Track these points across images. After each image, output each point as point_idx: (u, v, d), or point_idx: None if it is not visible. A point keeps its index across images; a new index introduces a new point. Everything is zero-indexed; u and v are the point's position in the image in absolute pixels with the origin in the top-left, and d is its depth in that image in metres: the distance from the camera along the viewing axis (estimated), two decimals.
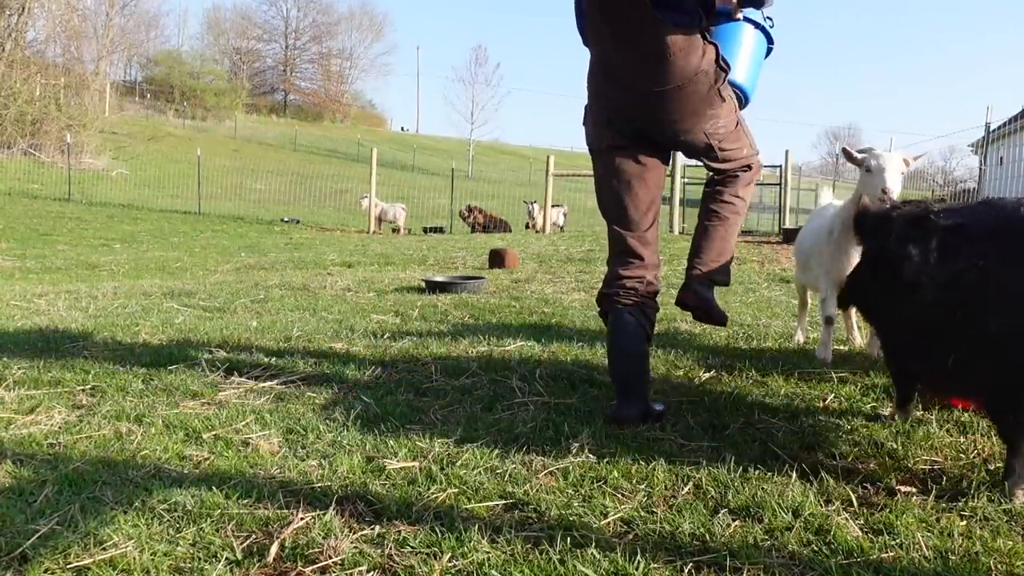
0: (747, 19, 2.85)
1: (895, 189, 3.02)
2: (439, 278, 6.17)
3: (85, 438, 2.49)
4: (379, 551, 1.76)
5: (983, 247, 2.09)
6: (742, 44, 2.86)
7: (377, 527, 1.87)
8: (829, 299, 3.38)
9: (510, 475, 2.19)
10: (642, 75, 2.59)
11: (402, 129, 72.70)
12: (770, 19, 2.92)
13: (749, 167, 2.86)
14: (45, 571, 1.68)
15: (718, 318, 2.84)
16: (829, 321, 3.43)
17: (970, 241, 2.12)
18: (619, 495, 2.07)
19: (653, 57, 2.54)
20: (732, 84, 2.78)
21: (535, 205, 17.80)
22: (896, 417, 2.66)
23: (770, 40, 2.95)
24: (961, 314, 2.07)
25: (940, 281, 2.11)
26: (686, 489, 2.11)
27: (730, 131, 2.73)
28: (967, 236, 2.14)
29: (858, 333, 4.12)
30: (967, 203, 2.62)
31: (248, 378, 3.24)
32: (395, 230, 18.18)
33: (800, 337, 4.09)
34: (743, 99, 2.89)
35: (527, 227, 17.76)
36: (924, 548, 1.77)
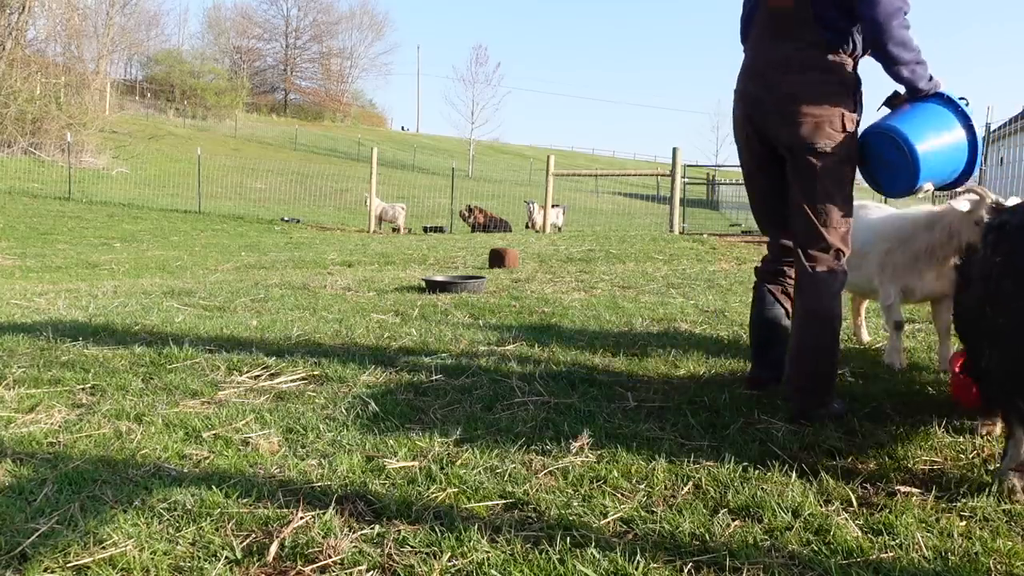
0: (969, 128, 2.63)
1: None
2: (439, 277, 6.17)
3: (85, 437, 2.49)
4: (379, 550, 1.76)
5: None
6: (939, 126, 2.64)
7: (377, 526, 1.87)
8: (895, 305, 3.42)
9: (510, 475, 2.19)
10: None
11: (402, 128, 72.71)
12: (964, 98, 2.68)
13: (827, 251, 2.72)
14: (45, 570, 1.68)
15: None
16: (899, 327, 3.47)
17: None
18: (619, 495, 2.07)
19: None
20: (900, 135, 2.63)
21: (535, 204, 17.80)
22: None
23: (973, 155, 2.67)
24: None
25: None
26: (686, 489, 2.11)
27: (832, 174, 2.69)
28: None
29: (865, 331, 4.13)
30: None
31: (248, 377, 3.24)
32: (395, 229, 18.18)
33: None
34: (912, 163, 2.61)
35: (527, 226, 17.76)
36: (924, 548, 1.77)
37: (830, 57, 2.68)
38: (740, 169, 3.10)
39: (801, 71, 2.69)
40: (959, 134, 2.65)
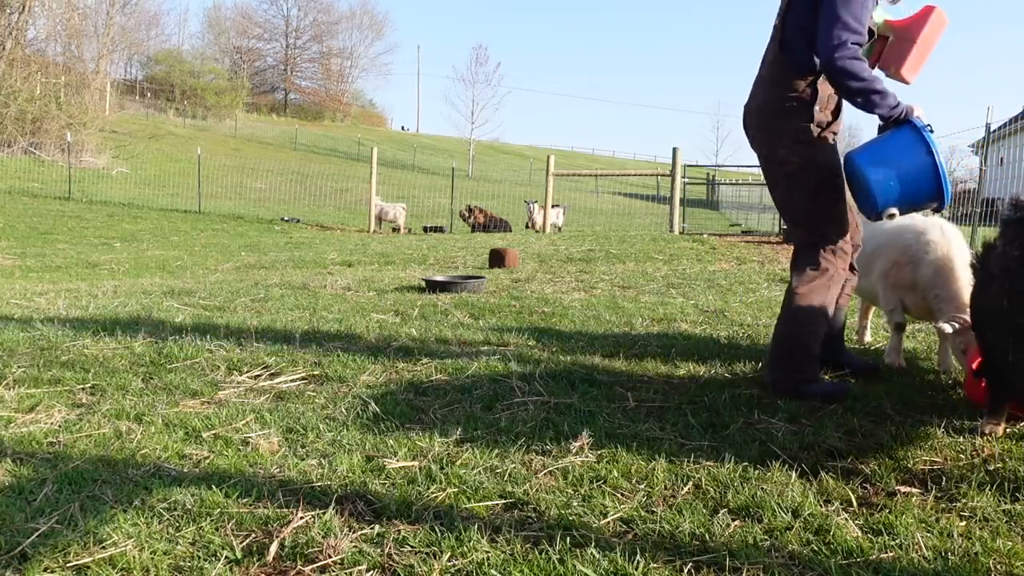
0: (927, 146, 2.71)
1: None
2: (439, 277, 6.17)
3: (85, 437, 2.49)
4: (379, 550, 1.76)
5: None
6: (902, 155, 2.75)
7: (377, 526, 1.87)
8: (897, 309, 3.42)
9: (510, 475, 2.19)
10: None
11: (402, 128, 72.74)
12: (930, 126, 2.77)
13: (816, 248, 2.95)
14: (45, 570, 1.68)
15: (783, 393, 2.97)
16: (900, 328, 3.46)
17: None
18: (619, 495, 2.07)
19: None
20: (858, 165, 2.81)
21: (535, 205, 17.80)
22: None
23: (942, 192, 2.74)
24: None
25: None
26: (686, 489, 2.11)
27: (799, 180, 2.96)
28: None
29: (868, 333, 4.13)
30: None
31: (248, 377, 3.24)
32: (395, 229, 18.18)
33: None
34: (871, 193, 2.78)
35: (527, 227, 17.76)
36: (924, 548, 1.77)
37: (790, 74, 2.90)
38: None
39: (766, 87, 2.97)
40: (920, 161, 2.71)
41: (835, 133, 3.02)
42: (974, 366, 2.82)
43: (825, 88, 2.90)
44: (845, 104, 2.98)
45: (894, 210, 2.78)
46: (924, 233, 3.30)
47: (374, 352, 3.66)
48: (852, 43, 2.69)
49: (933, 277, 3.20)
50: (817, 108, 2.90)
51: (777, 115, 2.94)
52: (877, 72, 2.92)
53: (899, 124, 2.78)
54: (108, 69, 37.09)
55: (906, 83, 2.98)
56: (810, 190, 2.97)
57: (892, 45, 2.98)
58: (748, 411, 2.76)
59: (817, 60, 2.83)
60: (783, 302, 3.10)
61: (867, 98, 2.73)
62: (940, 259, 3.20)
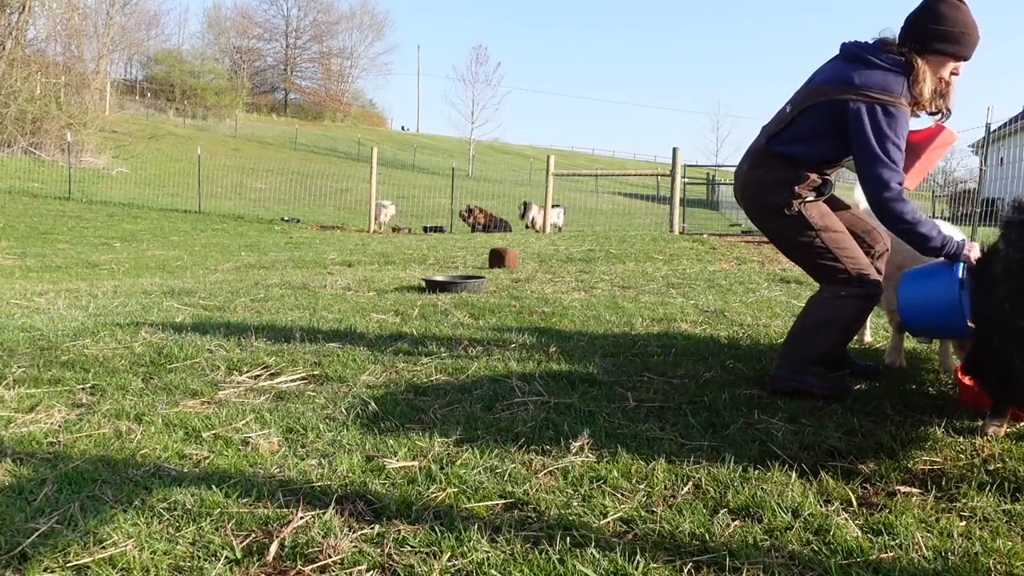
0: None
1: None
2: (439, 277, 6.17)
3: (85, 437, 2.49)
4: (379, 550, 1.76)
5: None
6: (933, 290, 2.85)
7: (377, 526, 1.87)
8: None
9: (510, 475, 2.19)
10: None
11: (402, 128, 72.77)
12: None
13: (838, 283, 3.02)
14: (45, 569, 1.68)
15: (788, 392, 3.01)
16: (901, 328, 3.45)
17: None
18: (619, 495, 2.07)
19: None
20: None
21: (532, 204, 17.80)
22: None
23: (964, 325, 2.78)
24: None
25: None
26: (686, 489, 2.11)
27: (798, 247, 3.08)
28: None
29: (868, 332, 4.12)
30: None
31: (248, 377, 3.24)
32: (395, 229, 18.18)
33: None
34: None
35: (527, 227, 17.76)
36: (924, 548, 1.77)
37: (774, 161, 3.02)
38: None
39: (751, 168, 3.11)
40: (946, 296, 2.78)
41: (820, 202, 3.09)
42: (960, 367, 2.83)
43: (811, 175, 2.99)
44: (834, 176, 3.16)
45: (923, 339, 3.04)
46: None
47: (374, 352, 3.66)
48: (896, 183, 2.75)
49: None
50: (797, 188, 2.99)
51: (759, 194, 3.07)
52: None
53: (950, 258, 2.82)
54: (108, 69, 37.13)
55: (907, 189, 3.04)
56: (806, 248, 3.04)
57: None
58: (748, 411, 2.76)
59: (805, 158, 2.96)
60: (807, 305, 3.13)
61: (912, 239, 2.82)
62: (943, 261, 3.19)
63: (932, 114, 2.97)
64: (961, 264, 2.79)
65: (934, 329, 2.94)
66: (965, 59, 2.84)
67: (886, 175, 2.74)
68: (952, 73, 2.86)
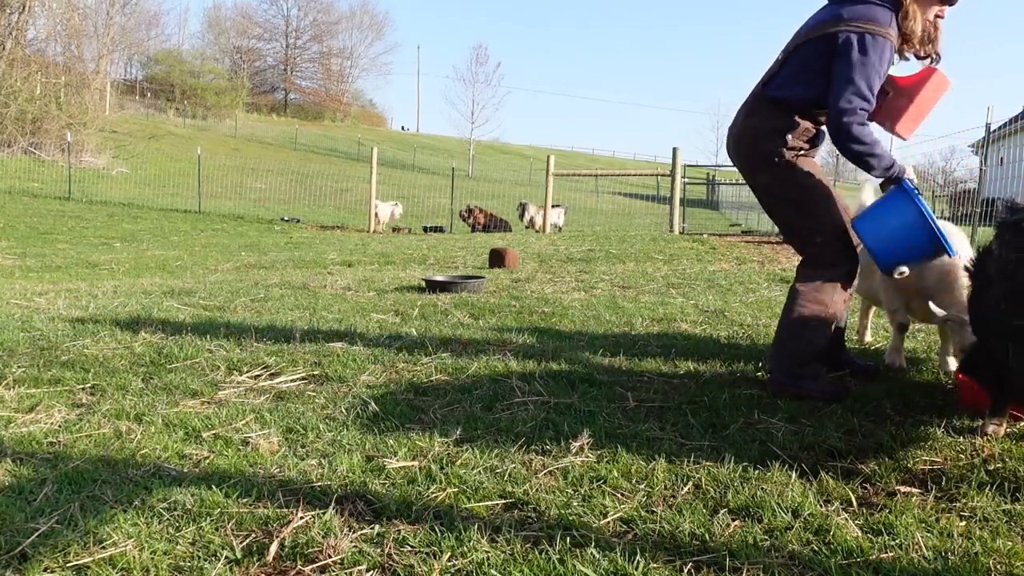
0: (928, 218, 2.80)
1: None
2: (439, 277, 6.17)
3: (85, 437, 2.49)
4: (379, 550, 1.76)
5: None
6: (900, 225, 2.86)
7: (377, 526, 1.87)
8: (901, 309, 3.40)
9: (510, 475, 2.19)
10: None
11: (402, 128, 72.76)
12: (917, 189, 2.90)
13: (817, 254, 3.04)
14: (45, 569, 1.68)
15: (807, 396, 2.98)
16: (902, 328, 3.45)
17: None
18: (619, 495, 2.07)
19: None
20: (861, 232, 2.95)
21: (530, 205, 17.80)
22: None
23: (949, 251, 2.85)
24: None
25: None
26: (686, 489, 2.11)
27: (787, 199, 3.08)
28: None
29: (869, 333, 4.12)
30: None
31: (248, 377, 3.24)
32: (395, 229, 18.18)
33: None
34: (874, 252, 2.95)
35: (527, 227, 17.76)
36: (924, 548, 1.77)
37: (769, 107, 3.02)
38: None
39: (746, 117, 3.09)
40: (910, 220, 2.83)
41: (811, 157, 3.13)
42: (959, 369, 2.83)
43: (804, 122, 2.99)
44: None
45: (903, 268, 2.90)
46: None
47: (374, 352, 3.66)
48: (861, 109, 2.78)
49: (937, 283, 3.19)
50: (790, 137, 3.00)
51: (754, 143, 3.07)
52: (874, 126, 2.98)
53: (892, 184, 2.92)
54: (108, 69, 37.12)
55: (902, 139, 3.07)
56: (792, 204, 3.07)
57: (891, 100, 3.04)
58: (748, 411, 2.76)
59: (800, 101, 2.96)
60: (787, 299, 3.13)
61: (864, 161, 2.86)
62: (945, 264, 3.19)
63: (922, 59, 3.00)
64: (905, 181, 2.87)
65: (907, 249, 2.89)
66: (950, 3, 2.92)
67: (856, 101, 2.77)
68: (937, 16, 2.92)
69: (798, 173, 3.03)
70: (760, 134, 3.05)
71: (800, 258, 3.15)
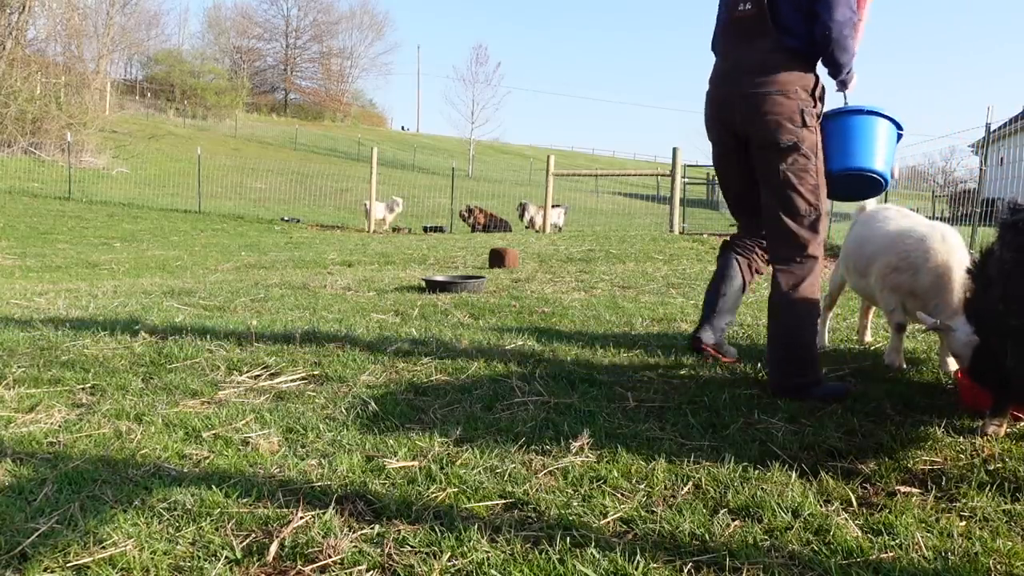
0: (873, 112, 3.03)
1: None
2: (439, 277, 6.17)
3: (85, 437, 2.49)
4: (379, 550, 1.76)
5: None
6: (877, 136, 3.06)
7: (377, 526, 1.87)
8: (897, 310, 3.39)
9: (510, 475, 2.19)
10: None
11: (402, 128, 72.78)
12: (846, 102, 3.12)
13: (809, 242, 3.02)
14: (45, 569, 1.68)
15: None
16: (901, 328, 3.44)
17: None
18: (619, 495, 2.07)
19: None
20: (871, 171, 3.05)
21: (530, 205, 17.79)
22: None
23: (899, 127, 3.13)
24: None
25: None
26: (686, 489, 2.11)
27: (806, 171, 2.99)
28: None
29: (868, 333, 4.12)
30: None
31: (248, 377, 3.24)
32: (395, 229, 18.18)
33: (822, 341, 3.92)
34: (884, 182, 3.15)
35: (527, 227, 17.76)
36: (924, 548, 1.77)
37: (790, 59, 2.96)
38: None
39: (764, 73, 2.97)
40: (864, 119, 3.07)
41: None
42: (960, 374, 2.83)
43: (817, 77, 3.03)
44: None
45: (894, 170, 3.15)
46: (925, 239, 3.26)
47: (374, 352, 3.66)
48: (854, 22, 2.89)
49: (932, 286, 3.19)
50: (816, 94, 3.00)
51: (787, 101, 2.94)
52: None
53: (841, 88, 3.06)
54: (108, 69, 37.12)
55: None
56: (814, 177, 2.99)
57: None
58: (748, 411, 2.76)
59: (810, 54, 2.97)
60: (774, 302, 3.06)
61: (845, 71, 2.97)
62: (939, 267, 3.18)
63: None
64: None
65: (888, 150, 3.08)
66: None
67: (849, 14, 2.87)
68: None
69: (814, 141, 2.98)
70: (790, 92, 2.94)
71: (775, 247, 3.09)
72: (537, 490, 2.08)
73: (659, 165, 51.42)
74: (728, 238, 3.55)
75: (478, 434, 2.51)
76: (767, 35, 2.96)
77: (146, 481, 2.12)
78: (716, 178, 3.45)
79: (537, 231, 16.35)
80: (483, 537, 1.80)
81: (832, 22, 2.84)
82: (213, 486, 2.06)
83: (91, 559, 1.70)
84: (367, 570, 1.69)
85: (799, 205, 2.99)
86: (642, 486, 2.13)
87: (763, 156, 3.02)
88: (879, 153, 3.04)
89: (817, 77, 3.01)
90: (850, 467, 2.27)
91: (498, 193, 24.96)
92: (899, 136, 3.14)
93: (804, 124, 2.95)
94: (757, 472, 2.21)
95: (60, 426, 2.61)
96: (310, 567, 1.70)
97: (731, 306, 3.49)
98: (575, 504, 2.00)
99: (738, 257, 3.46)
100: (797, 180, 2.97)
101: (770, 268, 3.15)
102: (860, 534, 1.84)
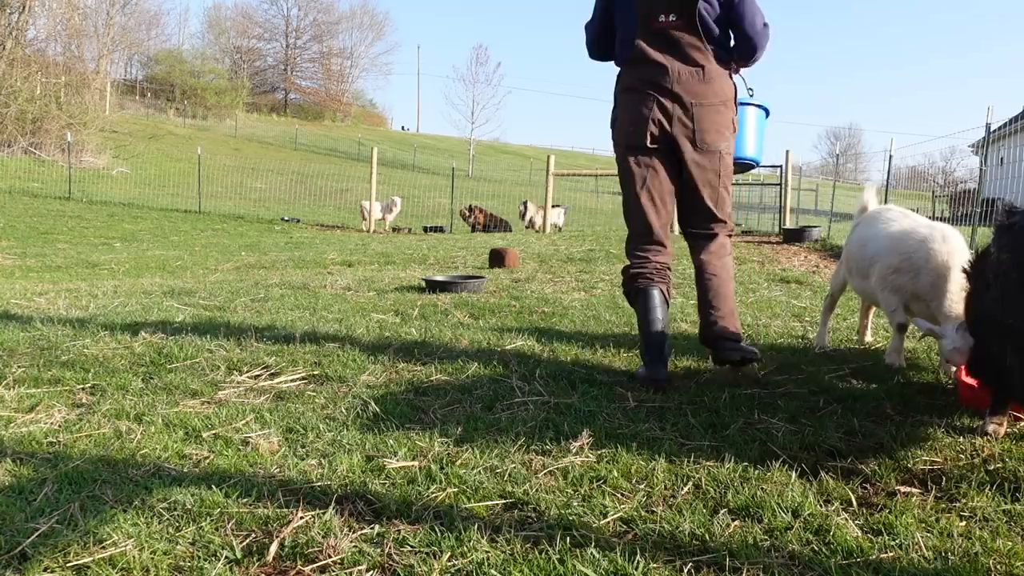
0: (743, 103, 3.44)
1: None
2: (439, 277, 6.17)
3: (85, 436, 2.49)
4: (379, 550, 1.76)
5: None
6: (749, 124, 3.60)
7: (377, 526, 1.87)
8: (899, 310, 3.39)
9: (510, 475, 2.19)
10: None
11: (403, 128, 72.75)
12: (751, 90, 3.51)
13: (728, 235, 3.45)
14: (45, 569, 1.68)
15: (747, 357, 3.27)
16: (902, 328, 3.44)
17: None
18: (619, 495, 2.07)
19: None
20: (745, 159, 3.56)
21: (530, 204, 17.79)
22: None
23: (766, 111, 3.74)
24: None
25: None
26: (686, 489, 2.11)
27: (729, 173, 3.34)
28: None
29: (869, 333, 4.11)
30: None
31: (248, 377, 3.24)
32: (395, 229, 18.18)
33: (823, 341, 3.93)
34: (756, 164, 3.75)
35: (527, 227, 17.76)
36: (924, 548, 1.77)
37: (721, 68, 3.20)
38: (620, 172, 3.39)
39: (705, 83, 3.15)
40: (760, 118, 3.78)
41: None
42: (962, 373, 2.83)
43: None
44: None
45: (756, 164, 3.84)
46: (926, 241, 3.25)
47: (374, 352, 3.66)
48: (768, 33, 3.22)
49: (932, 287, 3.19)
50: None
51: (728, 105, 3.23)
52: None
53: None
54: (108, 69, 37.14)
55: None
56: (730, 178, 3.34)
57: None
58: (748, 411, 2.76)
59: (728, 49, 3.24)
60: (720, 270, 3.36)
61: (758, 56, 3.27)
62: (940, 268, 3.18)
63: None
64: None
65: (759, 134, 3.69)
66: None
67: (766, 20, 3.19)
68: None
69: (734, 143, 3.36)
70: (730, 95, 3.24)
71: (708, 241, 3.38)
72: (537, 490, 2.08)
73: None
74: (643, 272, 3.31)
75: (478, 434, 2.51)
76: (697, 46, 3.16)
77: (146, 481, 2.12)
78: (630, 190, 3.30)
79: (537, 231, 16.35)
80: (483, 537, 1.80)
81: (763, 33, 3.17)
82: (213, 486, 2.06)
83: (91, 559, 1.70)
84: (367, 570, 1.69)
85: (727, 200, 3.37)
86: (642, 486, 2.13)
87: (702, 160, 3.24)
88: (750, 140, 3.63)
89: (735, 86, 3.31)
90: (850, 467, 2.27)
91: (498, 193, 24.96)
92: (767, 113, 3.73)
93: (734, 130, 3.31)
94: (757, 472, 2.21)
95: (60, 426, 2.61)
96: (310, 567, 1.70)
97: (666, 334, 3.33)
98: (575, 504, 2.00)
99: (662, 288, 3.29)
100: (727, 179, 3.32)
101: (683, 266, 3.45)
102: (860, 534, 1.84)
